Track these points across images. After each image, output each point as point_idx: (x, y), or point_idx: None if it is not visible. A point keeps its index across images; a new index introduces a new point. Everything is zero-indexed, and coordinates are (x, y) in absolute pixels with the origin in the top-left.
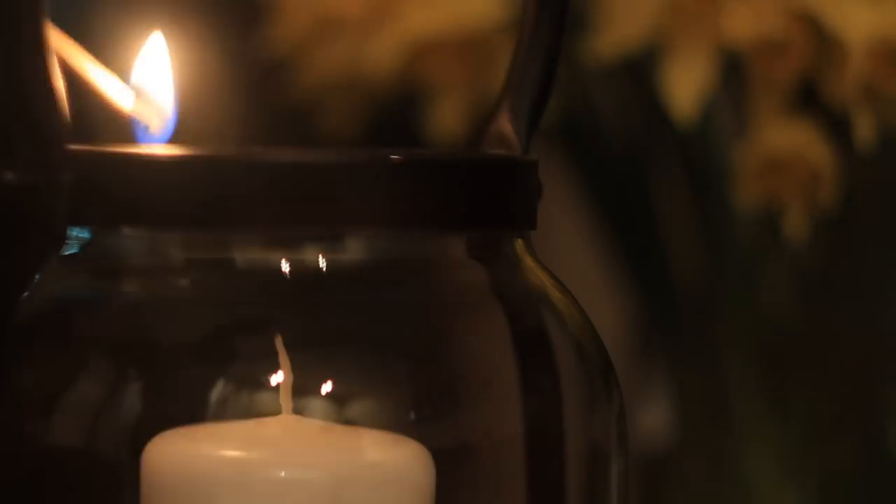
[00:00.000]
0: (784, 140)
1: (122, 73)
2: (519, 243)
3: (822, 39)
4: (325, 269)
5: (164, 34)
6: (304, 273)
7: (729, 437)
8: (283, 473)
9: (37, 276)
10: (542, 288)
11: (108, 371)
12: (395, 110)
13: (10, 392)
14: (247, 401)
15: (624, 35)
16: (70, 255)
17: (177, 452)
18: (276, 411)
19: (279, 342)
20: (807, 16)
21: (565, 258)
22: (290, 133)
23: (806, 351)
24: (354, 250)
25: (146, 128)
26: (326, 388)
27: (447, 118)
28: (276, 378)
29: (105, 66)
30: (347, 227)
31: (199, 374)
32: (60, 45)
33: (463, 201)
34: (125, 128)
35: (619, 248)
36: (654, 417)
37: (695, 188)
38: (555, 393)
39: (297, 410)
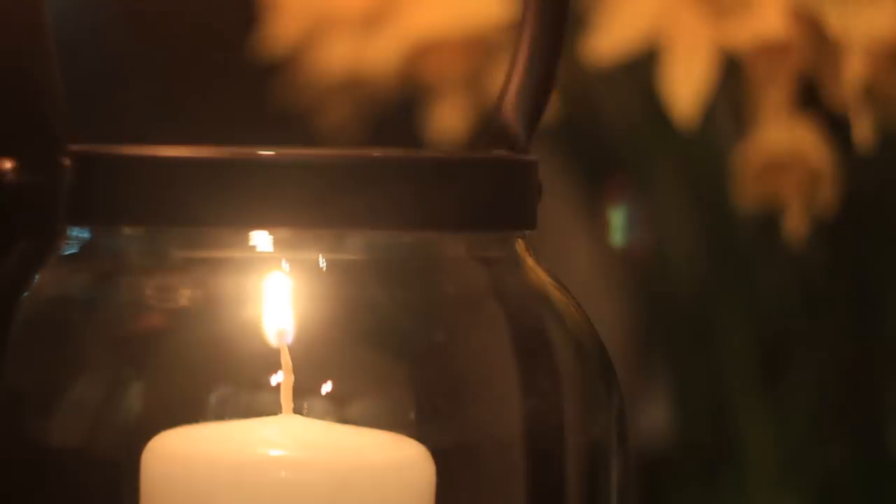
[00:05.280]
0: (784, 140)
1: None
2: (519, 243)
3: (822, 39)
4: (325, 268)
5: None
6: (304, 273)
7: (729, 437)
8: (283, 473)
9: (37, 276)
10: (542, 288)
11: (108, 371)
12: (395, 110)
13: (10, 392)
14: (247, 401)
15: (624, 35)
16: (70, 255)
17: (177, 452)
18: (276, 411)
19: (280, 342)
20: (807, 16)
21: (565, 258)
22: (291, 133)
23: (805, 350)
24: (354, 250)
25: None
26: (326, 388)
27: (448, 118)
28: (276, 378)
29: None
30: (347, 227)
31: (199, 374)
32: None
33: (463, 201)
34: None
35: (619, 248)
36: (654, 417)
37: (695, 188)
38: (555, 393)
39: (297, 410)
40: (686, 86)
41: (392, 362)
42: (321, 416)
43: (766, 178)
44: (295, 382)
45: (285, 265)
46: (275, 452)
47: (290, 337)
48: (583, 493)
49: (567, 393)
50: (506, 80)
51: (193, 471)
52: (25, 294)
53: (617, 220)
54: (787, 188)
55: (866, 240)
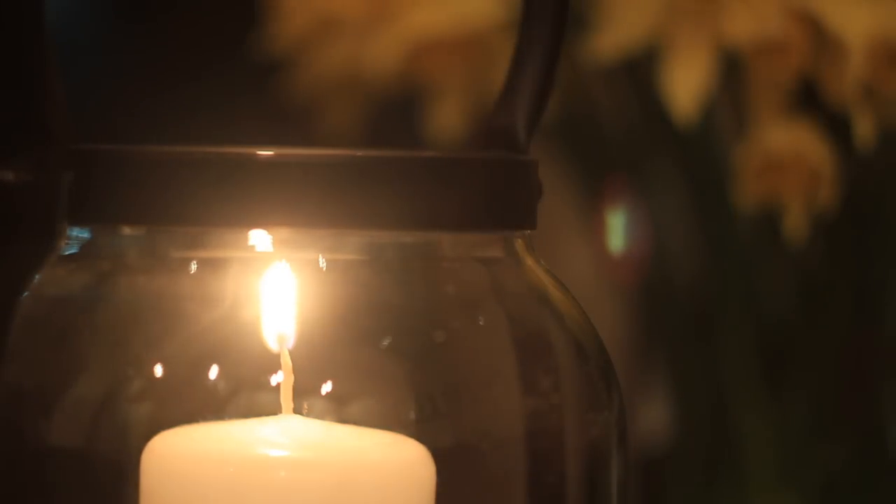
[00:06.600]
0: (784, 140)
1: None
2: (519, 243)
3: (822, 39)
4: (325, 268)
5: None
6: (304, 273)
7: (729, 437)
8: (283, 473)
9: (37, 276)
10: (542, 288)
11: (108, 371)
12: (395, 110)
13: (10, 392)
14: (247, 401)
15: (624, 35)
16: (70, 254)
17: (177, 452)
18: (276, 411)
19: (280, 342)
20: (807, 16)
21: (565, 258)
22: (291, 133)
23: (806, 351)
24: (354, 250)
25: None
26: (326, 388)
27: (447, 118)
28: (276, 378)
29: None
30: (347, 227)
31: (198, 374)
32: None
33: (463, 201)
34: None
35: (618, 250)
36: (654, 417)
37: (695, 188)
38: (555, 393)
39: (297, 410)
40: (686, 86)
41: (392, 362)
42: (321, 416)
43: (766, 178)
44: (295, 382)
45: (285, 265)
46: (275, 452)
47: (290, 338)
48: (583, 493)
49: (567, 393)
50: (506, 79)
51: (193, 471)
52: (25, 294)
53: (616, 224)
54: (787, 188)
55: (866, 240)
